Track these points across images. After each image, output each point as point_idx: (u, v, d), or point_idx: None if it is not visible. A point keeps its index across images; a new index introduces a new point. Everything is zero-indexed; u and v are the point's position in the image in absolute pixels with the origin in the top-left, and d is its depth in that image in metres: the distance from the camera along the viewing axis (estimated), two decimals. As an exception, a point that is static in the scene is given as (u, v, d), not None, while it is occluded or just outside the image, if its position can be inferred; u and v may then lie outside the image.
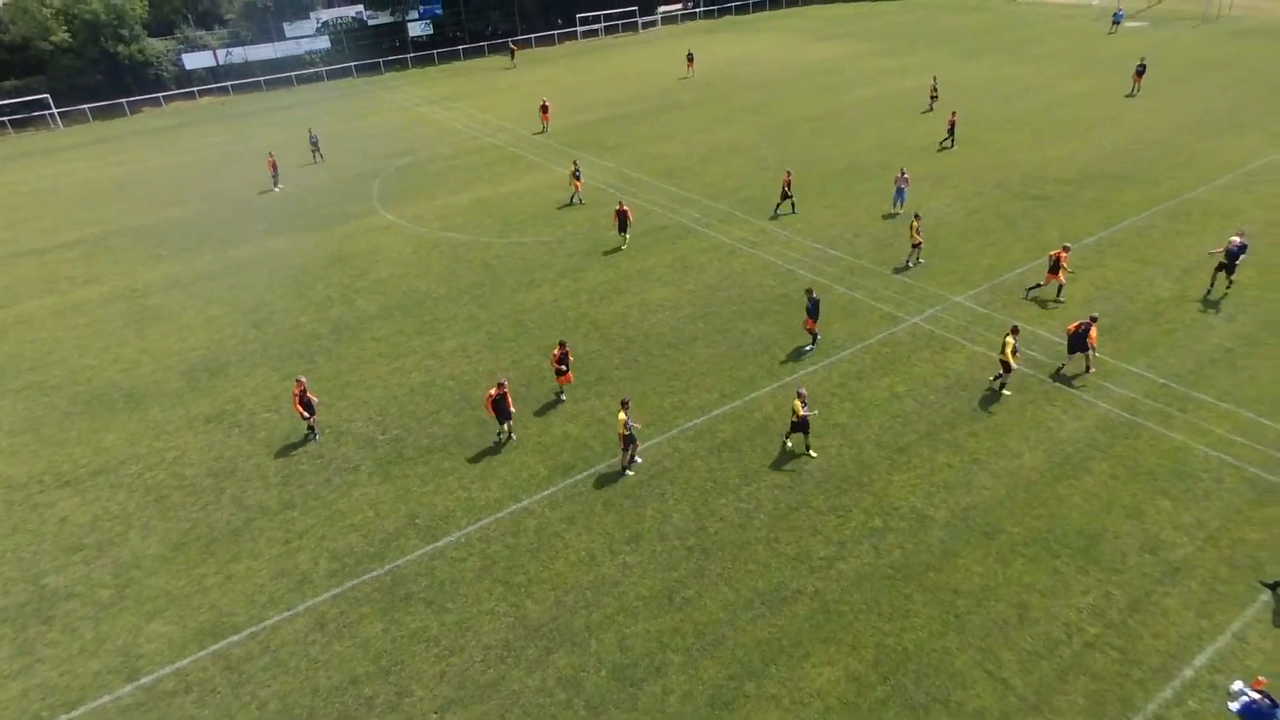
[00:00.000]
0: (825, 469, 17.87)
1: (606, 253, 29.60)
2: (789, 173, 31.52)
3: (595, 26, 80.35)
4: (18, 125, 58.40)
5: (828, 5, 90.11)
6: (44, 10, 57.33)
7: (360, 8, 69.11)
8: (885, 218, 30.44)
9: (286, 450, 19.99)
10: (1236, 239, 22.97)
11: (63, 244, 35.03)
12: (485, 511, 17.44)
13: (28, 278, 31.67)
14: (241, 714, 13.33)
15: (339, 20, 68.63)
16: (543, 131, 45.75)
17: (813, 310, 21.67)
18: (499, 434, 19.64)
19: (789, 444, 18.58)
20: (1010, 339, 18.94)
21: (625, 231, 29.61)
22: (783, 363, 21.95)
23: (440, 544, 16.65)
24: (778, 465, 18.08)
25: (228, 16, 66.43)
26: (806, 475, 17.72)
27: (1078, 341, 19.79)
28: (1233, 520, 15.66)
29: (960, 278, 25.78)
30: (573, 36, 79.90)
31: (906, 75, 52.87)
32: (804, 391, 17.40)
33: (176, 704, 13.58)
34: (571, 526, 16.85)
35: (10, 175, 47.47)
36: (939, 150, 37.86)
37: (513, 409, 19.13)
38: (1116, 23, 62.77)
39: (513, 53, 69.19)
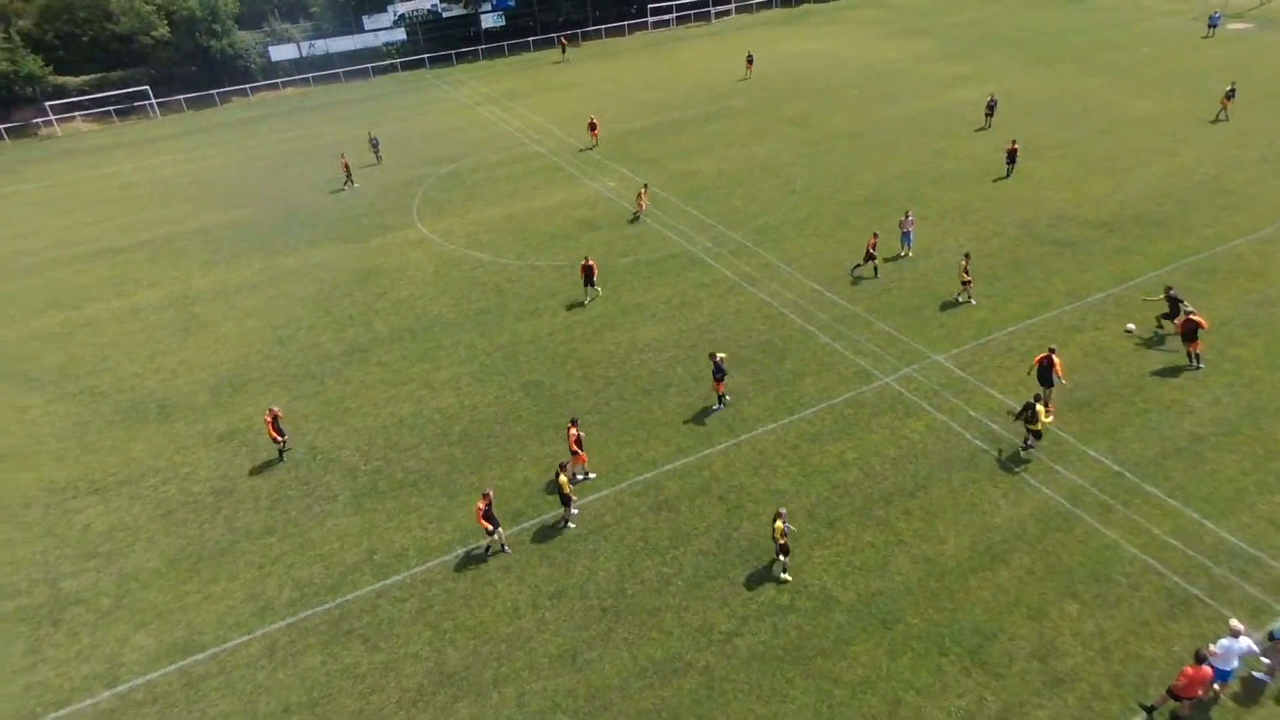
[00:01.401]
0: (752, 538, 18.73)
1: (609, 283, 30.67)
2: (875, 235, 28.93)
3: (666, 16, 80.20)
4: (121, 114, 63.58)
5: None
6: (147, 6, 61.84)
7: (436, 1, 71.32)
8: (889, 260, 30.29)
9: (280, 473, 22.24)
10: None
11: (136, 244, 38.67)
12: (435, 553, 19.15)
13: (101, 278, 35.29)
14: (190, 729, 15.57)
15: (415, 13, 71.13)
16: (592, 147, 45.78)
17: (717, 374, 22.38)
18: (488, 546, 18.95)
19: (785, 565, 17.47)
20: None
21: (592, 285, 29.22)
22: (745, 419, 22.70)
23: (389, 581, 18.48)
24: (709, 531, 19.05)
25: (313, 9, 69.81)
26: (732, 544, 18.64)
27: (1044, 375, 21.01)
28: (1135, 632, 15.76)
29: (948, 333, 25.71)
30: (643, 27, 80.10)
31: (968, 85, 51.10)
32: (784, 511, 17.13)
33: (141, 714, 15.92)
34: (505, 575, 18.37)
35: (109, 167, 52.11)
36: (994, 180, 36.72)
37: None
38: (1213, 26, 58.48)
39: (563, 46, 70.31)
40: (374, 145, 46.57)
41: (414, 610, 17.70)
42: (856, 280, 29.01)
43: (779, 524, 16.89)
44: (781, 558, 17.28)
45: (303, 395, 25.60)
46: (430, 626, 17.26)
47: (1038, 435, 20.01)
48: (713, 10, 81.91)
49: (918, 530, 18.53)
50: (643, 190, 36.38)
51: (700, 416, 22.90)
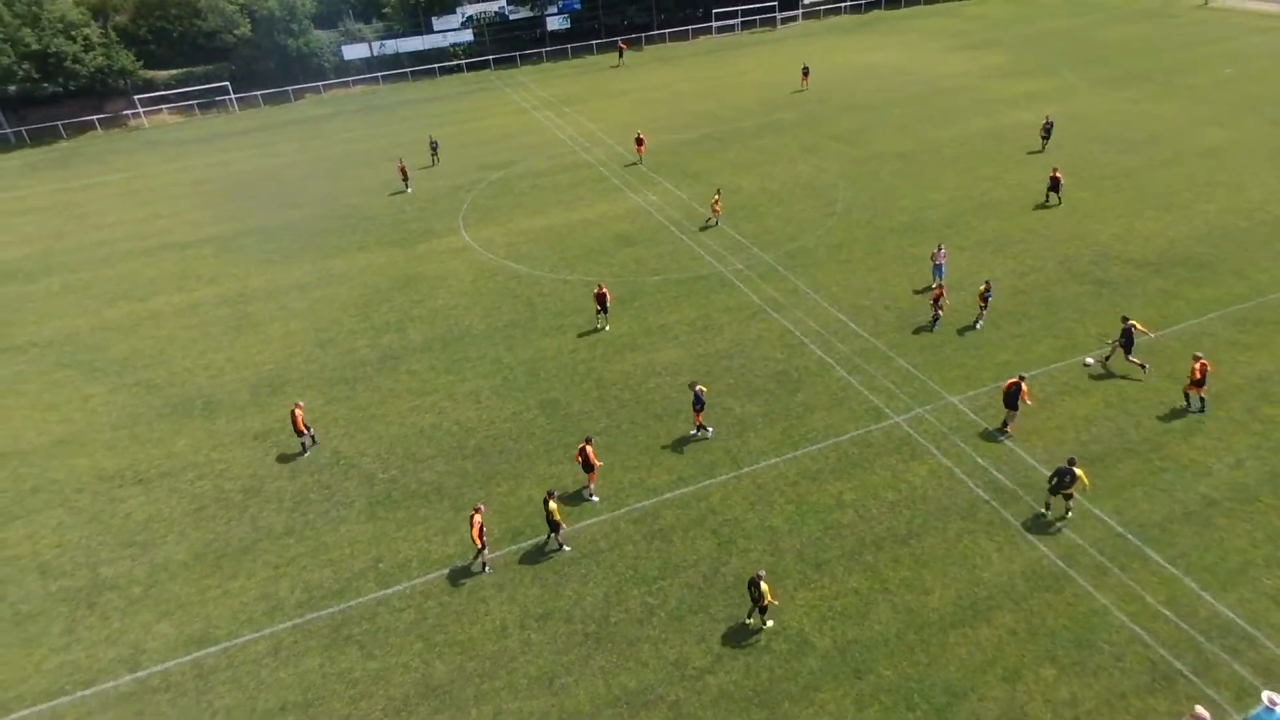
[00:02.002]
0: (739, 574, 19.10)
1: (637, 302, 31.22)
2: (987, 283, 27.27)
3: (731, 22, 79.95)
4: (203, 108, 67.08)
5: (994, 0, 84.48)
6: (231, 5, 64.97)
7: (503, 2, 72.83)
8: (917, 292, 29.98)
9: (305, 475, 23.60)
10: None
11: (202, 239, 41.02)
12: (436, 566, 20.14)
13: (168, 273, 37.62)
14: (196, 718, 16.87)
15: (482, 14, 72.73)
16: (637, 163, 45.82)
17: (697, 404, 22.81)
18: (482, 563, 19.81)
19: (767, 623, 17.58)
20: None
21: (605, 311, 29.26)
22: (750, 451, 23.00)
23: (390, 591, 19.54)
24: (697, 564, 19.50)
25: (385, 9, 72.15)
26: (718, 579, 19.06)
27: (1010, 399, 21.74)
28: (1110, 704, 15.59)
29: (967, 374, 25.43)
30: (708, 31, 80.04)
31: (1032, 104, 49.66)
32: (763, 572, 17.27)
33: (154, 700, 17.34)
34: (499, 594, 19.22)
35: (186, 160, 55.19)
36: (1035, 208, 35.92)
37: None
38: (1306, 47, 55.31)
39: (620, 51, 70.93)
40: (433, 148, 48.28)
41: (410, 621, 18.69)
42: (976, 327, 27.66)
43: (765, 586, 16.87)
44: (763, 617, 17.57)
45: (335, 399, 26.99)
46: (423, 638, 18.23)
47: (1067, 497, 19.33)
48: (779, 16, 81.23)
49: (904, 579, 18.60)
50: (717, 196, 37.05)
51: (706, 445, 23.30)
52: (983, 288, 27.21)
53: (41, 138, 63.25)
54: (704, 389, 23.08)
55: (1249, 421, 22.38)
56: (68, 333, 33.02)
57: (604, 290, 29.05)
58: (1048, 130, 42.20)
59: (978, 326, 27.52)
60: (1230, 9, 71.67)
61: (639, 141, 45.79)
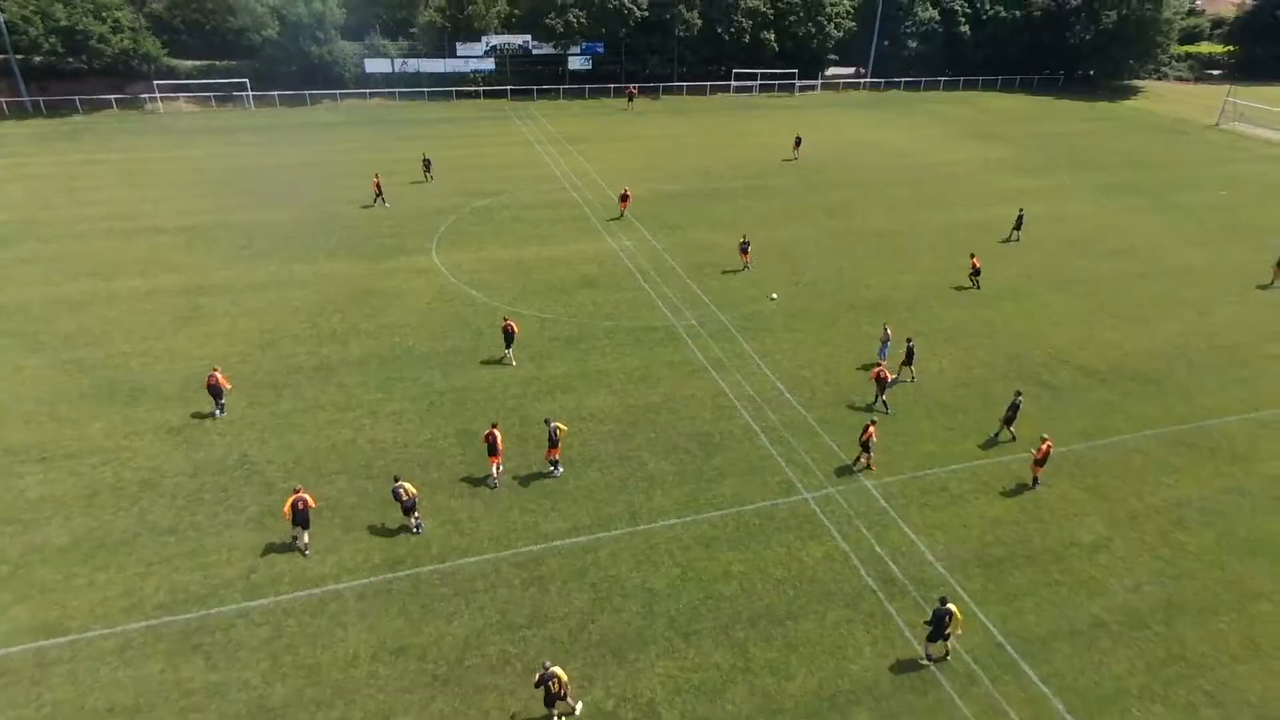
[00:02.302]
0: (605, 632, 18.69)
1: (583, 345, 31.20)
2: (1019, 393, 25.98)
3: (750, 83, 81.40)
4: (220, 101, 68.48)
5: (1009, 94, 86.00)
6: (263, 7, 66.69)
7: (529, 37, 74.44)
8: (860, 369, 29.84)
9: (206, 475, 23.39)
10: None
11: (181, 227, 41.47)
12: (308, 584, 19.79)
13: (136, 256, 37.93)
14: (20, 709, 16.45)
15: (507, 46, 74.36)
16: (619, 217, 44.82)
17: (552, 440, 23.30)
18: (299, 542, 20.63)
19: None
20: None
21: (510, 347, 29.37)
22: (651, 509, 22.69)
23: (254, 604, 19.18)
24: (567, 617, 19.09)
25: (413, 30, 73.91)
26: (584, 635, 18.63)
27: (865, 445, 23.92)
28: (944, 822, 15.02)
29: (888, 460, 25.12)
30: (725, 90, 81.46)
31: (1022, 200, 49.84)
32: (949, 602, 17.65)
33: (-14, 684, 16.97)
34: (361, 621, 18.83)
35: (190, 149, 56.14)
36: (957, 289, 36.90)
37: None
38: (1304, 179, 55.73)
39: (630, 96, 72.30)
40: (426, 165, 49.10)
41: (264, 638, 18.31)
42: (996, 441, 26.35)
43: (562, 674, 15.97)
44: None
45: (258, 403, 26.90)
46: (271, 657, 17.82)
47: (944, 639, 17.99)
48: (797, 84, 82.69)
49: (770, 661, 18.13)
50: (746, 243, 38.18)
51: (611, 498, 23.02)
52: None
53: (58, 110, 64.59)
54: (560, 426, 23.35)
55: (1158, 546, 21.96)
56: (20, 302, 33.22)
57: (510, 324, 29.22)
58: (1019, 221, 43.24)
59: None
60: (1240, 133, 72.49)
61: (624, 198, 44.99)
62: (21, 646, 17.85)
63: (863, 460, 24.52)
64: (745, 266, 38.20)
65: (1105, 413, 28.08)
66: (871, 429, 23.87)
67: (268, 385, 27.95)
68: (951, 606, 17.69)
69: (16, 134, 58.80)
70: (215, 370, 25.81)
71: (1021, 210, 43.75)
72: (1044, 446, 23.43)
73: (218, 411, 26.01)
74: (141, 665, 17.53)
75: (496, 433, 22.83)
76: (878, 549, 21.49)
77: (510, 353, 29.57)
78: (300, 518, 20.26)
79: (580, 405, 27.38)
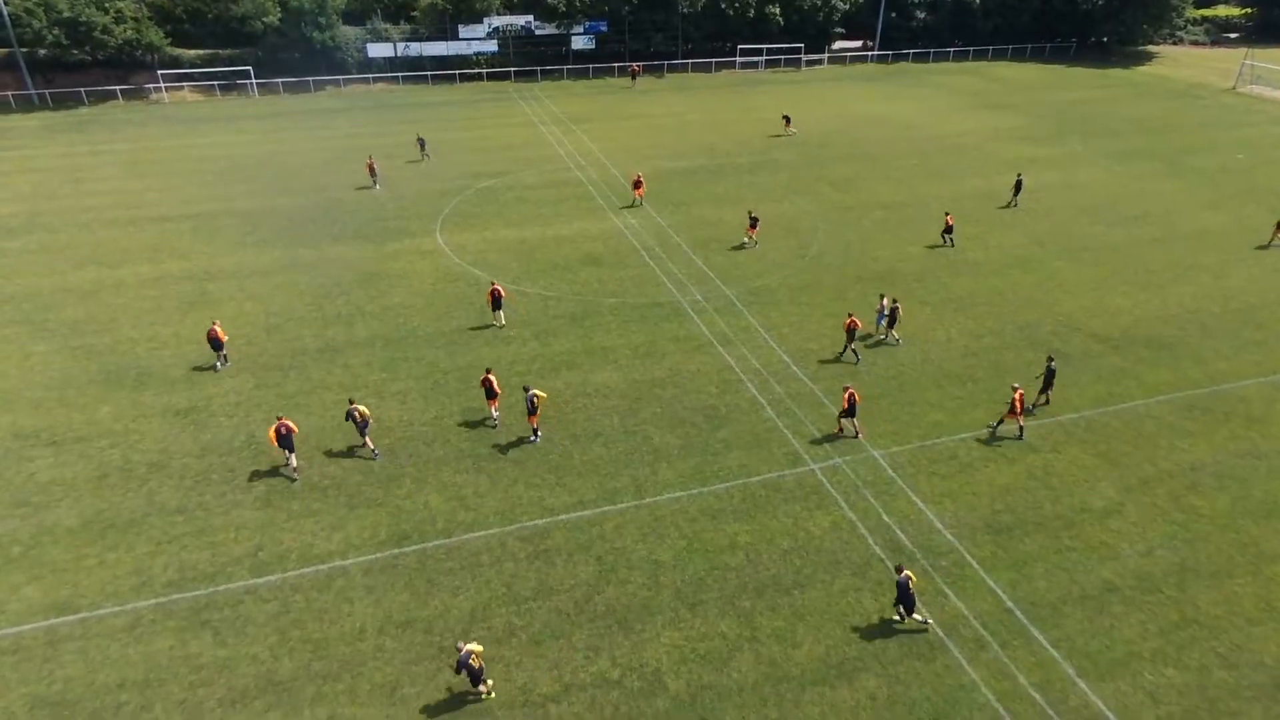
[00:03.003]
0: (611, 603, 18.67)
1: (588, 321, 31.06)
2: (1051, 359, 25.80)
3: (756, 59, 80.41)
4: (224, 89, 68.42)
5: (1020, 63, 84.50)
6: (265, -7, 66.42)
7: (530, 18, 73.79)
8: (869, 343, 29.53)
9: (213, 455, 23.50)
10: None
11: (186, 215, 41.53)
12: (315, 560, 19.88)
13: (142, 244, 38.03)
14: (34, 685, 16.65)
15: (509, 27, 73.73)
16: (633, 204, 42.98)
17: (530, 407, 23.59)
18: (287, 467, 22.63)
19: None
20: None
21: (499, 310, 30.11)
22: (657, 483, 22.60)
23: (262, 580, 19.29)
24: (572, 589, 19.08)
25: (414, 13, 73.40)
26: (589, 607, 18.61)
27: (849, 410, 23.78)
28: (952, 785, 14.94)
29: (895, 429, 24.90)
30: (731, 66, 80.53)
31: (1032, 170, 48.97)
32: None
33: (1, 661, 17.14)
34: (368, 596, 18.90)
35: (195, 138, 56.16)
36: (930, 247, 37.10)
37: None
38: (1322, 141, 54.50)
39: (633, 74, 71.71)
40: (421, 145, 49.77)
41: (271, 613, 18.42)
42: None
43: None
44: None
45: (265, 385, 26.97)
46: (279, 632, 17.93)
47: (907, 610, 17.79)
48: (803, 58, 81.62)
49: (776, 630, 18.05)
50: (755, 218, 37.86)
51: (616, 472, 22.95)
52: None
53: (64, 102, 64.77)
54: (539, 394, 23.57)
55: (1171, 510, 21.66)
56: (30, 290, 33.43)
57: (497, 288, 29.96)
58: (1018, 186, 42.97)
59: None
60: (1257, 96, 70.96)
61: (637, 184, 43.21)
62: (34, 624, 18.05)
63: (849, 428, 24.20)
64: (754, 242, 37.80)
65: (1117, 379, 27.67)
66: (851, 392, 23.69)
67: (274, 367, 28.00)
68: (908, 573, 17.58)
69: (23, 126, 59.05)
70: (215, 324, 27.35)
71: (1020, 176, 43.44)
72: (1016, 396, 23.69)
73: (219, 364, 27.54)
74: (151, 642, 17.68)
75: (491, 378, 24.11)
76: (885, 518, 21.32)
77: (500, 314, 30.46)
78: (285, 442, 21.99)
79: (585, 381, 27.27)
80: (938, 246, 37.69)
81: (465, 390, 26.69)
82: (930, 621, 18.08)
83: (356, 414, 22.76)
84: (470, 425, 24.90)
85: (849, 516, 21.38)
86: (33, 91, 64.19)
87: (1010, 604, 18.76)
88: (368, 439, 23.20)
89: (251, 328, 30.55)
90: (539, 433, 24.22)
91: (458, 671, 15.77)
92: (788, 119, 56.83)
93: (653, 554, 20.10)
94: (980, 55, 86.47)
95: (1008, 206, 43.12)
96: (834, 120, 60.75)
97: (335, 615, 18.36)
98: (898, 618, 18.13)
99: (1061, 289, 33.99)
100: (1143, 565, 19.89)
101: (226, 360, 27.71)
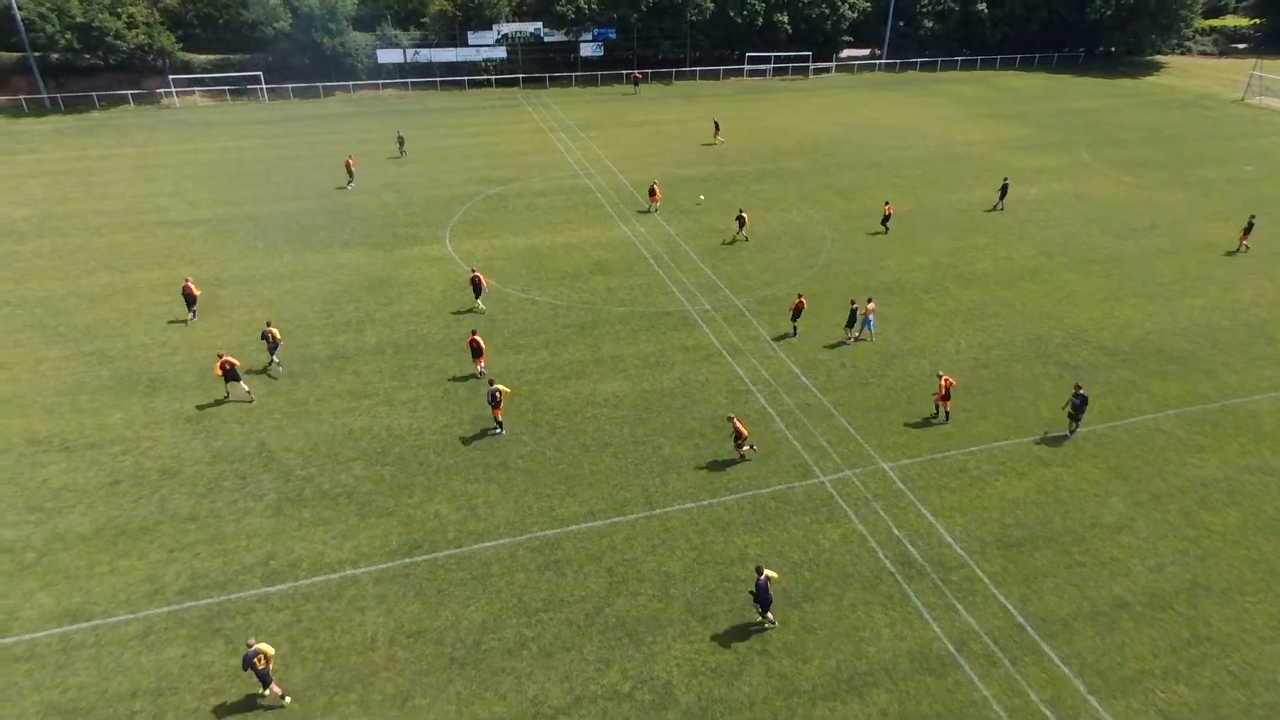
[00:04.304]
0: (621, 615, 18.69)
1: (597, 330, 31.13)
2: (1078, 386, 24.89)
3: (764, 67, 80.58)
4: (235, 94, 68.82)
5: (1028, 73, 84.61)
6: (274, 0, 66.78)
7: (540, 24, 74.07)
8: (876, 355, 29.55)
9: (224, 463, 23.59)
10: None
11: (196, 220, 41.74)
12: (326, 569, 19.94)
13: (153, 249, 38.23)
14: (46, 692, 16.71)
15: (518, 34, 74.05)
16: (650, 211, 43.49)
17: (491, 401, 24.46)
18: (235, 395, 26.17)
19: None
20: None
21: (479, 297, 32.17)
22: (667, 494, 22.63)
23: (273, 589, 19.35)
24: (583, 601, 19.11)
25: (424, 19, 73.74)
26: (600, 619, 18.63)
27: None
28: (964, 802, 14.92)
29: (907, 441, 24.91)
30: (739, 74, 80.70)
31: (1039, 180, 49.36)
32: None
33: (13, 667, 17.20)
34: (379, 605, 18.95)
35: (205, 142, 56.45)
36: (870, 234, 38.77)
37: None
38: (1331, 153, 54.44)
39: (635, 81, 72.09)
40: (400, 142, 53.09)
41: (283, 622, 18.47)
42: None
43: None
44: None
45: (276, 391, 27.08)
46: (291, 641, 17.98)
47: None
48: (811, 66, 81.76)
49: (786, 643, 18.06)
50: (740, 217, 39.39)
51: (626, 483, 22.99)
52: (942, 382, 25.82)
53: (76, 106, 65.17)
54: (501, 389, 24.41)
55: (1182, 526, 21.62)
56: (42, 295, 33.61)
57: (478, 276, 31.70)
58: (1004, 190, 44.44)
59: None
60: (1266, 107, 70.98)
61: (652, 192, 43.15)
62: (47, 631, 18.13)
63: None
64: (745, 238, 39.51)
65: (1127, 392, 27.65)
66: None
67: (285, 374, 28.10)
68: (769, 572, 17.88)
69: (36, 130, 59.41)
70: (188, 280, 30.43)
71: (1006, 180, 45.37)
72: (943, 383, 25.20)
73: (190, 316, 30.59)
74: (164, 649, 17.75)
75: (478, 339, 27.07)
76: (895, 531, 21.32)
77: (480, 301, 32.10)
78: (231, 374, 25.64)
79: (595, 390, 27.33)
80: (878, 234, 40.01)
81: (475, 398, 26.76)
82: (775, 623, 18.37)
83: (270, 335, 27.32)
84: (480, 434, 24.97)
85: (859, 529, 21.39)
86: (45, 95, 64.61)
87: (1021, 619, 18.74)
88: (274, 357, 27.57)
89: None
90: (502, 425, 25.03)
91: (244, 668, 15.95)
92: (717, 125, 56.87)
93: (663, 565, 20.13)
94: (988, 64, 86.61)
95: (994, 209, 44.22)
96: (842, 128, 60.87)
97: (347, 625, 18.41)
98: (759, 618, 18.41)
99: (1071, 301, 33.99)
100: (1154, 581, 19.85)
101: (196, 315, 30.57)
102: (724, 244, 37.88)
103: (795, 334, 30.70)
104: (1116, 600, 19.30)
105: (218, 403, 26.31)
